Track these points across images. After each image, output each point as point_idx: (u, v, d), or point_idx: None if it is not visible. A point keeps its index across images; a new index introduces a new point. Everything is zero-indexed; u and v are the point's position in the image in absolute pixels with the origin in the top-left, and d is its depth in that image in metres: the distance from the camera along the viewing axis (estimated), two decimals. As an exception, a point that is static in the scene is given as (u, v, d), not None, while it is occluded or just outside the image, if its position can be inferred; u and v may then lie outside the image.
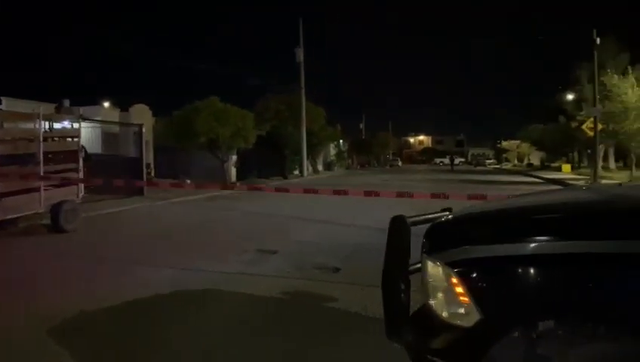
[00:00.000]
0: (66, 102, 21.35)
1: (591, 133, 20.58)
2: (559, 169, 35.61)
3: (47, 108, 14.03)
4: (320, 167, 40.40)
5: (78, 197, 9.19)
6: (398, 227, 2.53)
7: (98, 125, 17.80)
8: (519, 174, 37.81)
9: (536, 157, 65.13)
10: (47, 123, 9.08)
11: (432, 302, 2.14)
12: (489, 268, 1.88)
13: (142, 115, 22.44)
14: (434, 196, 10.51)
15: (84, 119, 10.78)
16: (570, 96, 34.49)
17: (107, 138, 19.49)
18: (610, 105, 21.71)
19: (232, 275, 5.73)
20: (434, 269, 2.12)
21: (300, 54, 30.96)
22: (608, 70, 22.97)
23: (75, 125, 9.64)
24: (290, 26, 31.88)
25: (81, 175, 9.18)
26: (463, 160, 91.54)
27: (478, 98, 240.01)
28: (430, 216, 2.82)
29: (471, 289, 1.87)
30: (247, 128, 20.40)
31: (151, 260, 6.56)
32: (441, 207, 2.84)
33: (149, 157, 19.82)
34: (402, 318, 2.47)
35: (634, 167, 24.57)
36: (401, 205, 12.98)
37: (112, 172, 14.85)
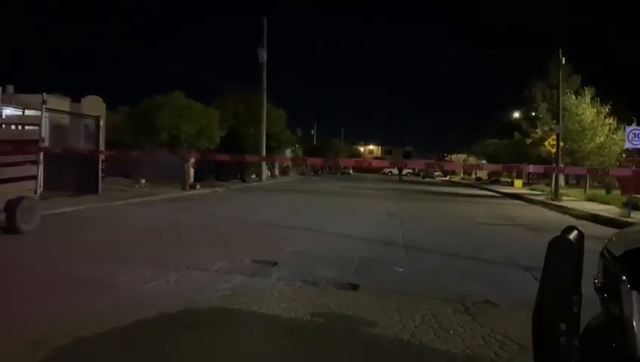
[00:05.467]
0: (10, 88, 19.51)
1: (553, 150, 21.10)
2: (511, 183, 36.62)
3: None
4: (276, 172, 39.57)
5: (36, 193, 8.05)
6: (563, 252, 1.96)
7: (46, 115, 16.27)
8: (471, 187, 38.59)
9: (483, 172, 67.22)
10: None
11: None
12: None
13: (95, 107, 20.86)
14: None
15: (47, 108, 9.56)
16: (517, 114, 35.69)
17: (55, 130, 17.92)
18: (568, 124, 22.38)
19: (241, 289, 4.99)
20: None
21: (264, 54, 30.12)
22: (568, 90, 23.75)
23: (33, 113, 8.48)
24: (253, 26, 30.96)
25: (41, 168, 8.05)
26: (410, 171, 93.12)
27: (427, 110, 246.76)
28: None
29: None
30: (211, 127, 19.37)
31: (130, 269, 5.68)
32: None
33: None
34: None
35: (587, 185, 25.55)
36: (379, 214, 12.52)
37: (64, 167, 13.56)
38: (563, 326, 1.91)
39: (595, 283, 2.12)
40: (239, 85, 32.31)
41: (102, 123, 15.96)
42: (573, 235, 2.19)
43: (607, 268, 2.02)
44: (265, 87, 30.29)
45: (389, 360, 3.38)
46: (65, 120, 18.61)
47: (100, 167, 15.97)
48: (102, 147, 16.33)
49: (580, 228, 2.24)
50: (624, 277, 1.69)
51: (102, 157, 16.24)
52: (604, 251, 2.07)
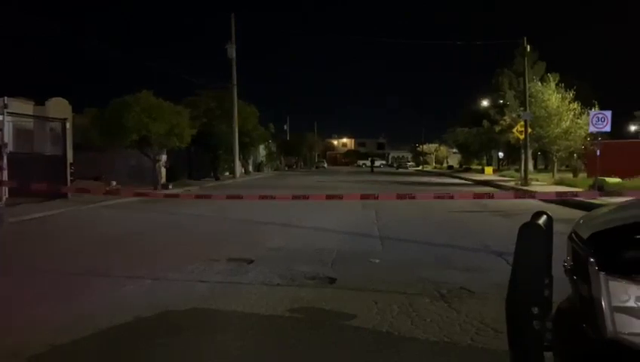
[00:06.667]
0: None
1: (522, 136, 21.55)
2: (482, 171, 37.30)
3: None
4: (250, 168, 39.33)
5: (1, 200, 7.81)
6: (533, 237, 2.02)
7: (9, 119, 15.78)
8: (443, 176, 39.16)
9: (454, 160, 68.31)
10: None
11: (615, 329, 1.65)
12: None
13: (61, 109, 20.30)
14: (400, 197, 10.23)
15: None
16: (486, 103, 36.29)
17: (19, 134, 17.39)
18: (534, 110, 22.88)
19: (217, 288, 4.95)
20: (621, 288, 1.65)
21: (232, 50, 29.83)
22: (534, 77, 24.24)
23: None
24: (224, 22, 30.59)
25: (5, 175, 7.81)
26: (384, 162, 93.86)
27: (399, 100, 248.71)
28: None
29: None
30: (182, 126, 19.07)
31: (110, 272, 5.60)
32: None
33: (71, 156, 17.89)
34: (536, 355, 1.97)
35: (555, 169, 26.20)
36: (355, 206, 12.58)
37: (31, 172, 13.21)
38: (535, 310, 1.97)
39: (564, 265, 2.18)
40: (210, 82, 31.97)
41: (68, 126, 15.55)
42: (542, 220, 2.24)
43: (576, 250, 2.07)
44: (235, 83, 30.04)
45: (368, 352, 3.40)
46: (29, 124, 18.07)
47: (69, 170, 15.60)
48: (69, 150, 15.92)
49: (549, 212, 2.31)
50: (592, 259, 1.74)
51: (70, 160, 15.88)
52: (573, 234, 2.13)
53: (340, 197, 7.14)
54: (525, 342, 2.01)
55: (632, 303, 1.61)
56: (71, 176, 15.70)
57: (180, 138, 19.12)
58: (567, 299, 2.28)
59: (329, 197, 9.29)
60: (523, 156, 22.58)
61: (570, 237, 2.14)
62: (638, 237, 1.79)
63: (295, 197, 9.43)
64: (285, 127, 75.60)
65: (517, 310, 1.97)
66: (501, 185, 21.85)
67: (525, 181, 20.37)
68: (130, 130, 17.50)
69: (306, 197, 6.96)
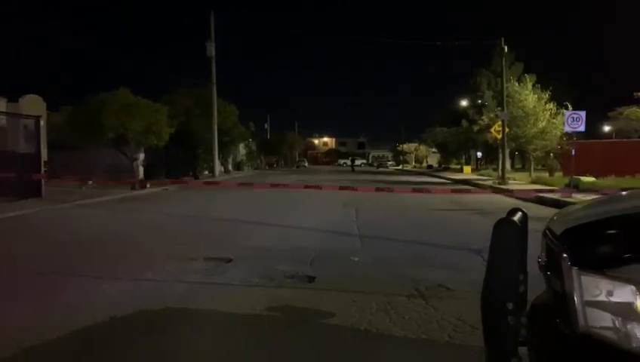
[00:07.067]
0: None
1: (499, 136, 21.85)
2: (460, 170, 37.72)
3: None
4: (230, 167, 39.05)
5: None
6: (507, 233, 2.03)
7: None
8: (423, 175, 39.46)
9: (433, 160, 68.93)
10: None
11: (587, 324, 1.67)
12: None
13: (35, 107, 19.82)
14: (378, 190, 10.26)
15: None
16: (465, 103, 36.71)
17: (-10, 132, 16.96)
18: (512, 110, 23.22)
19: (194, 288, 4.90)
20: (593, 283, 1.67)
21: (212, 48, 29.56)
22: (512, 78, 24.58)
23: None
24: (201, 18, 30.26)
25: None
26: (364, 161, 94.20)
27: (379, 100, 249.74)
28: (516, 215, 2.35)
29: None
30: (159, 123, 18.83)
31: (85, 272, 5.49)
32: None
33: (45, 154, 17.51)
34: (510, 350, 1.99)
35: (532, 168, 26.63)
36: (334, 205, 12.63)
37: (2, 169, 12.93)
38: (510, 306, 1.98)
39: (539, 261, 2.19)
40: (188, 80, 31.63)
41: (42, 123, 15.23)
42: (517, 217, 2.26)
43: (550, 246, 2.09)
44: (214, 81, 29.78)
45: (346, 349, 3.40)
46: (2, 121, 17.64)
47: (43, 168, 15.26)
48: (43, 148, 15.58)
49: (524, 209, 2.33)
50: (565, 255, 1.75)
51: (44, 158, 15.54)
52: (547, 230, 2.14)
53: (319, 187, 7.14)
54: (500, 338, 2.02)
55: (603, 297, 1.62)
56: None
57: (158, 136, 18.88)
58: (541, 294, 2.31)
59: (307, 186, 9.36)
60: (500, 155, 22.90)
61: (544, 234, 2.16)
62: (609, 232, 1.81)
63: (274, 186, 9.39)
64: (266, 125, 75.35)
65: (492, 305, 1.98)
66: (479, 184, 22.11)
67: (503, 180, 20.66)
68: (107, 128, 17.20)
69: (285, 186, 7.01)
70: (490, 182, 21.90)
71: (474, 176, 29.47)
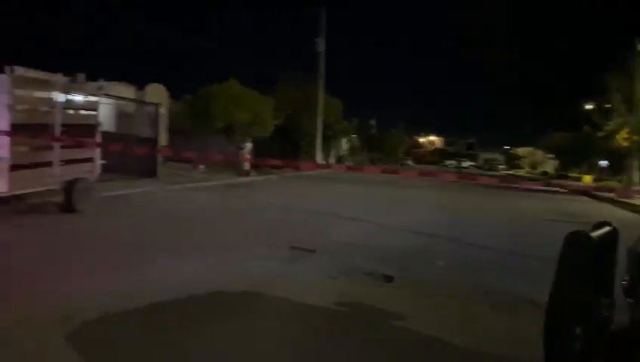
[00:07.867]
0: (81, 77, 20.65)
1: (626, 144, 19.68)
2: (578, 179, 34.59)
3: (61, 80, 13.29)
4: (332, 161, 39.56)
5: (93, 175, 8.47)
6: (578, 247, 1.77)
7: (112, 102, 17.08)
8: (535, 182, 36.76)
9: (549, 166, 64.02)
10: (64, 94, 8.31)
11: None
12: None
13: (158, 94, 21.70)
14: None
15: (105, 94, 10.03)
16: (589, 106, 33.46)
17: (121, 116, 18.81)
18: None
19: (272, 274, 5.00)
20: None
21: (322, 44, 30.11)
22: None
23: (92, 98, 8.85)
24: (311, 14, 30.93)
25: (98, 152, 8.46)
26: (472, 163, 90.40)
27: (490, 101, 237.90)
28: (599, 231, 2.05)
29: None
30: (265, 115, 19.58)
31: (174, 249, 5.86)
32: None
33: (164, 139, 19.05)
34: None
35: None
36: (434, 207, 12.20)
37: (126, 151, 14.18)
38: (578, 330, 1.74)
39: (623, 284, 1.91)
40: (298, 75, 32.47)
41: (162, 110, 16.54)
42: (600, 231, 1.98)
43: (637, 269, 1.81)
44: (323, 76, 30.29)
45: (408, 355, 3.24)
46: (131, 107, 19.49)
47: (158, 152, 16.58)
48: (162, 133, 16.93)
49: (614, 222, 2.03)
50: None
51: (163, 142, 16.87)
52: (632, 250, 1.85)
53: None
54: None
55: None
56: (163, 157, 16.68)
57: (264, 127, 19.62)
58: (626, 322, 2.00)
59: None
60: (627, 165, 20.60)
61: (630, 253, 1.87)
62: None
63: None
64: (371, 121, 75.10)
65: (555, 326, 1.75)
66: (599, 196, 20.11)
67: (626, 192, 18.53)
68: (217, 117, 18.24)
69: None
70: (612, 195, 19.79)
71: (594, 186, 26.87)
